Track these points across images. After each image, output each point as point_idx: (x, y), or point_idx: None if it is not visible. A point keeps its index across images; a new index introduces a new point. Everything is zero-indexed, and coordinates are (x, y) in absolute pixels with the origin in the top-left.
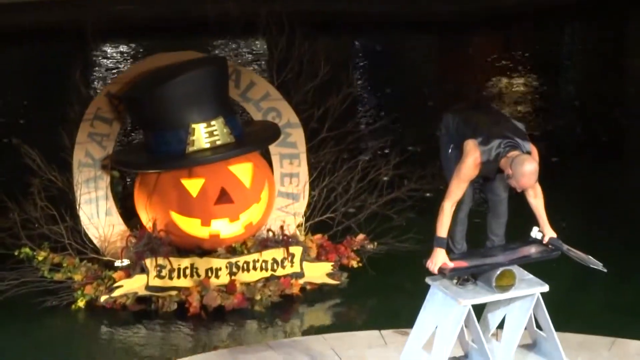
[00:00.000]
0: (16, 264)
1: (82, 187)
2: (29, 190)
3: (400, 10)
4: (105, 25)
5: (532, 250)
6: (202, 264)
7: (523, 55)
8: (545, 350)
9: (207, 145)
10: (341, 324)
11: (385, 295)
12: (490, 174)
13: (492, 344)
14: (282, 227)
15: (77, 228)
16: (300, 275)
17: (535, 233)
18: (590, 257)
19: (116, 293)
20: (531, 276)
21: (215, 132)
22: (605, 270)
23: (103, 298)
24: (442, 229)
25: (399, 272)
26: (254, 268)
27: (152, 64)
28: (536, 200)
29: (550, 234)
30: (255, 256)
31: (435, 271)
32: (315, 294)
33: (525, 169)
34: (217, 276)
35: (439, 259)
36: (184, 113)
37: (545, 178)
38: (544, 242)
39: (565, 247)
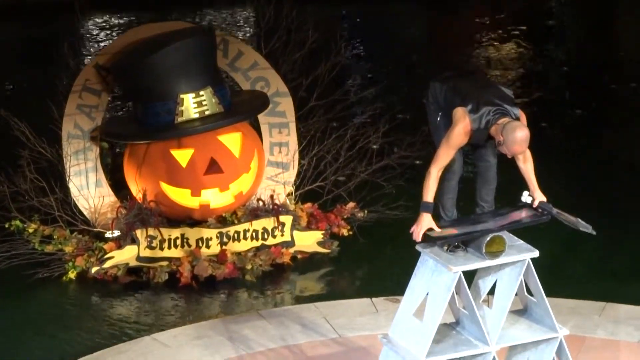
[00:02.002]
0: (7, 236)
1: (72, 158)
2: (19, 162)
3: None
4: None
5: (522, 215)
6: (193, 234)
7: (512, 22)
8: (537, 315)
9: (196, 116)
10: (332, 292)
11: (376, 263)
12: (479, 141)
13: (483, 310)
14: (272, 197)
15: (67, 200)
16: (290, 244)
17: (525, 197)
18: (579, 220)
19: (107, 264)
20: (521, 242)
21: (204, 102)
22: (594, 233)
23: (94, 269)
24: (429, 194)
25: (390, 240)
26: (245, 238)
27: (140, 34)
28: (526, 165)
29: (540, 197)
30: (245, 226)
31: (419, 236)
32: (306, 262)
33: (517, 135)
34: (207, 246)
35: (424, 223)
36: (173, 83)
37: (534, 143)
38: (534, 206)
39: (555, 210)
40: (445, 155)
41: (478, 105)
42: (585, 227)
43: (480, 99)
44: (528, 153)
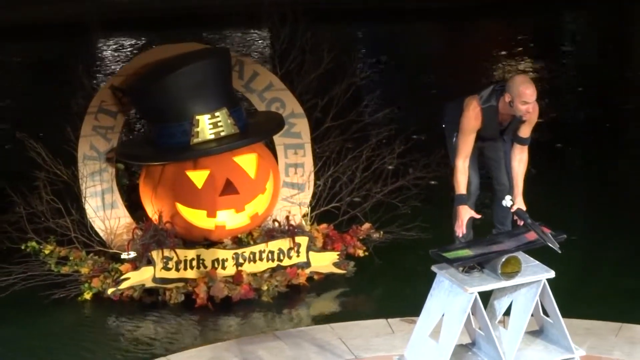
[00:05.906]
0: (23, 257)
1: (88, 180)
2: (35, 184)
3: None
4: (108, 18)
5: (538, 235)
6: (209, 255)
7: (527, 42)
8: (552, 336)
9: (212, 137)
10: (348, 313)
11: (392, 284)
12: (492, 126)
13: (499, 330)
14: (287, 217)
15: (83, 221)
16: (306, 265)
17: (507, 201)
18: (549, 235)
19: (123, 285)
20: (537, 262)
21: (219, 123)
22: (559, 251)
23: (110, 290)
24: (460, 186)
25: (405, 261)
26: (260, 258)
27: (155, 55)
28: (519, 167)
29: (519, 204)
30: (261, 247)
31: (463, 228)
32: (322, 283)
33: (517, 79)
34: (223, 267)
35: (463, 215)
36: (188, 104)
37: (549, 164)
38: (512, 211)
39: (530, 220)
40: (464, 143)
41: (482, 89)
42: (552, 243)
43: (483, 89)
44: (525, 156)
